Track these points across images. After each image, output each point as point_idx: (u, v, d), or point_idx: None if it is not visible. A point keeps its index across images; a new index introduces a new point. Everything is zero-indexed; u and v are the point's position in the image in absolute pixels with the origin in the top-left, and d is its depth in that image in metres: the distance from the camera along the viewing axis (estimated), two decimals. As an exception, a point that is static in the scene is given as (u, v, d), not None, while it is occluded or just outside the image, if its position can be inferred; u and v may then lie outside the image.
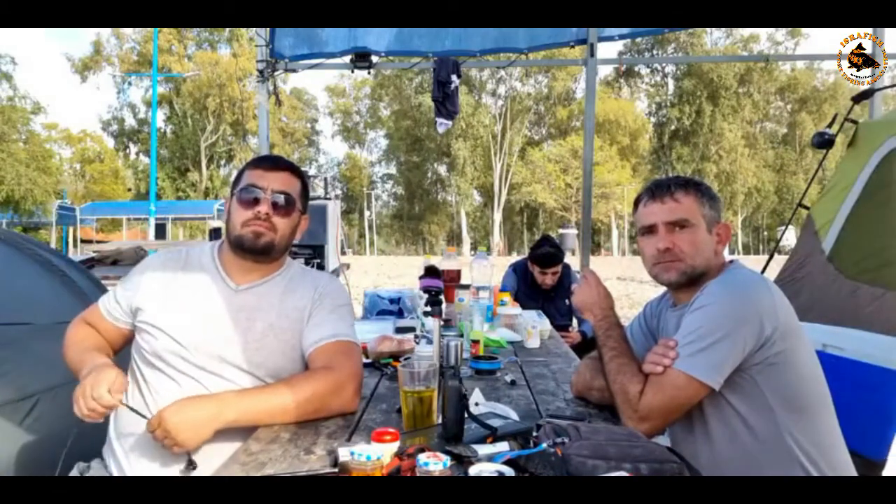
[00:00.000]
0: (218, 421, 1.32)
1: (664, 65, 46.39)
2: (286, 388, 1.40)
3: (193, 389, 1.44)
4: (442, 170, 45.71)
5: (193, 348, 1.47)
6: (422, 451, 1.03)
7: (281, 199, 1.54)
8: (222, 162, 42.69)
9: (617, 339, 1.51)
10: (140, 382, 1.51)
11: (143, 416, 1.36)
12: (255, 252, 1.54)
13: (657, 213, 1.50)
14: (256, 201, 1.52)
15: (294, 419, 1.39)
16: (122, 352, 1.64)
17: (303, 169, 2.01)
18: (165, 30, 35.61)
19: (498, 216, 42.49)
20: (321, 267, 4.36)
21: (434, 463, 0.96)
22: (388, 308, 3.39)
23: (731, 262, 1.55)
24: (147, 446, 1.43)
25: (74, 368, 1.50)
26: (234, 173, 1.70)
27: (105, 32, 39.73)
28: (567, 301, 4.09)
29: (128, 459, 1.46)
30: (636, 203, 1.60)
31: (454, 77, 4.79)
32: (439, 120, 4.92)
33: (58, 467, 1.73)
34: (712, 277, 1.48)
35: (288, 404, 1.38)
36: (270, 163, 1.60)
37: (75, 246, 21.16)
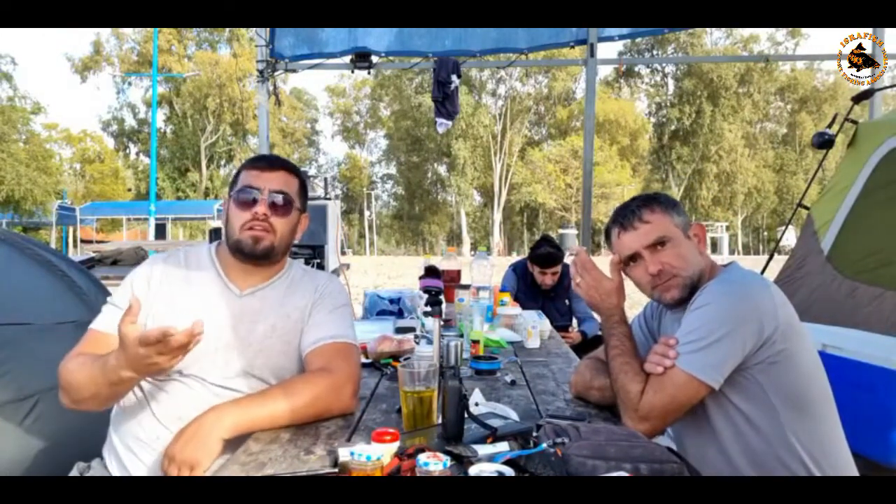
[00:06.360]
0: (219, 430, 1.30)
1: (664, 65, 46.31)
2: (284, 392, 1.39)
3: (196, 398, 1.43)
4: (442, 170, 45.64)
5: (195, 359, 1.45)
6: (422, 451, 1.03)
7: (279, 198, 1.52)
8: (222, 162, 42.61)
9: (620, 337, 1.50)
10: (144, 394, 1.48)
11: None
12: (255, 256, 1.52)
13: (634, 240, 1.50)
14: (254, 202, 1.51)
15: (293, 423, 1.38)
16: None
17: (303, 169, 2.00)
18: (165, 30, 35.54)
19: (498, 216, 42.43)
20: (321, 267, 4.36)
21: (434, 463, 0.96)
22: (388, 308, 3.40)
23: (730, 263, 1.56)
24: (147, 446, 1.44)
25: (95, 374, 1.34)
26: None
27: (105, 32, 39.66)
28: (567, 301, 4.10)
29: (128, 459, 1.46)
30: (608, 233, 1.59)
31: (454, 77, 4.81)
32: (439, 120, 4.93)
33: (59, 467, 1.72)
34: (709, 278, 1.49)
35: (287, 409, 1.37)
36: (266, 162, 1.58)
37: (75, 246, 21.13)
